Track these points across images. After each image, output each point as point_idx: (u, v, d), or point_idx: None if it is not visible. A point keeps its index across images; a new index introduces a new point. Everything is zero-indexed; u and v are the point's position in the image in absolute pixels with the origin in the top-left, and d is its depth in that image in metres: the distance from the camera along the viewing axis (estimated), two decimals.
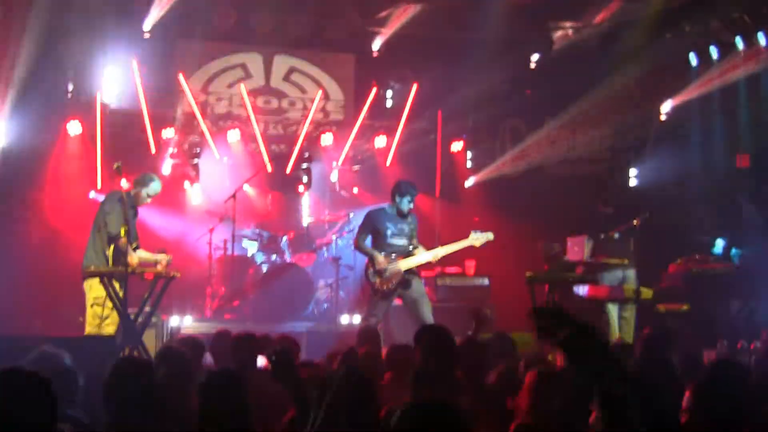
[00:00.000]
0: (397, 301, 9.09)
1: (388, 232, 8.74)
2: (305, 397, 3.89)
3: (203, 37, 12.19)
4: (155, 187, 8.48)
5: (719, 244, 10.42)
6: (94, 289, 8.06)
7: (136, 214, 8.57)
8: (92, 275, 8.05)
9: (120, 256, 8.02)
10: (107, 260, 8.12)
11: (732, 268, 9.81)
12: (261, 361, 5.33)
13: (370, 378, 4.01)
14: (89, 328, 8.11)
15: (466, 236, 8.95)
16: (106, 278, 7.83)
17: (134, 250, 8.20)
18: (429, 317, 8.60)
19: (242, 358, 5.46)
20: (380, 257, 8.66)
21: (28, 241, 10.91)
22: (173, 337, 9.17)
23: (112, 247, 8.10)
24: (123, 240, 7.90)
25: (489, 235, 8.96)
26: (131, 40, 11.64)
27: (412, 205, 8.81)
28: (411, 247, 8.82)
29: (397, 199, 8.75)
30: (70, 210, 11.07)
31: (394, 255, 8.74)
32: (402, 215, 8.79)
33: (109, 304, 7.98)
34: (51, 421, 3.07)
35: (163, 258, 8.29)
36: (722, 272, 9.38)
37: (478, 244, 8.94)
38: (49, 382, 3.12)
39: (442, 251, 8.90)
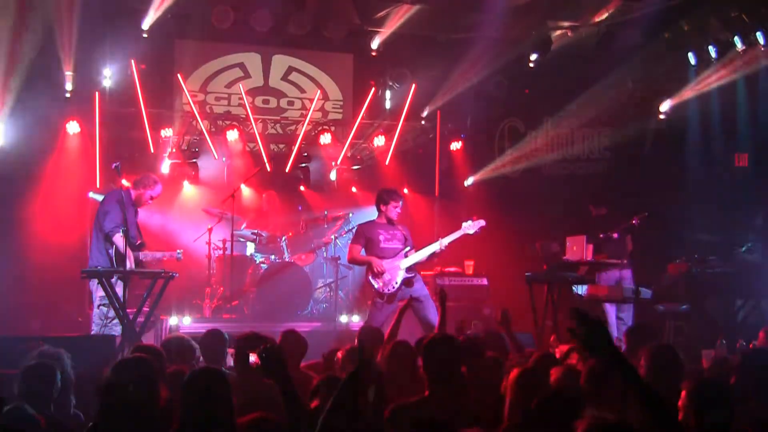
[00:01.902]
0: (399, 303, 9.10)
1: (381, 238, 8.82)
2: (295, 393, 3.88)
3: (202, 36, 12.20)
4: (158, 189, 8.58)
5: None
6: (101, 289, 8.10)
7: (136, 213, 8.59)
8: (90, 276, 8.07)
9: (121, 255, 8.06)
10: (111, 260, 8.14)
11: (732, 267, 9.80)
12: (252, 357, 5.32)
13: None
14: (95, 328, 8.16)
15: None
16: (104, 278, 7.84)
17: (138, 249, 8.21)
18: (433, 318, 8.61)
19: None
20: (377, 260, 8.69)
21: (27, 241, 10.89)
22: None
23: (114, 246, 8.12)
24: (121, 239, 7.94)
25: (480, 222, 9.03)
26: (130, 39, 11.62)
27: (399, 210, 8.89)
28: (406, 249, 8.86)
29: (383, 208, 8.86)
30: (70, 209, 11.07)
31: (391, 258, 8.77)
32: (391, 223, 8.87)
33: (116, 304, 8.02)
34: None
35: (168, 254, 8.34)
36: (722, 272, 9.37)
37: (471, 231, 9.01)
38: None
39: (445, 240, 8.94)
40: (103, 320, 8.10)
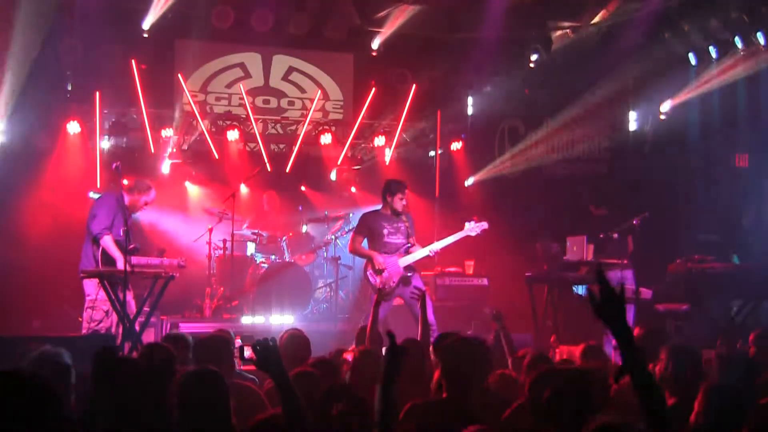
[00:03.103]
0: (397, 301, 9.10)
1: (385, 231, 8.75)
2: (290, 387, 3.87)
3: (202, 36, 12.18)
4: (152, 194, 8.64)
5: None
6: (87, 290, 8.15)
7: (129, 217, 8.61)
8: (90, 276, 8.10)
9: (109, 257, 8.09)
10: (97, 262, 8.17)
11: (732, 267, 9.81)
12: (247, 351, 5.33)
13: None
14: (84, 331, 8.20)
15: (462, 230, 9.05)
16: (106, 279, 7.87)
17: (130, 254, 8.22)
18: (430, 317, 8.61)
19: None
20: (379, 257, 8.67)
21: (28, 241, 10.89)
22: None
23: (101, 249, 8.15)
24: (110, 242, 8.00)
25: (483, 225, 9.00)
26: (130, 39, 11.64)
27: (404, 202, 8.84)
28: (409, 245, 8.83)
29: (389, 198, 8.79)
30: (70, 210, 11.06)
31: (392, 253, 8.75)
32: (396, 214, 8.81)
33: (103, 307, 8.05)
34: (53, 423, 3.04)
35: (166, 260, 8.33)
36: (722, 272, 9.37)
37: (473, 234, 8.98)
38: (49, 384, 3.07)
39: (439, 244, 8.92)
40: (88, 323, 8.15)
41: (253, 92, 13.01)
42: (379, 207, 9.00)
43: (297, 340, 5.86)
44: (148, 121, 12.01)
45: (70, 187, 11.28)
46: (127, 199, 8.47)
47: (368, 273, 8.76)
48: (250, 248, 11.69)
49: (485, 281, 11.54)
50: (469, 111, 13.75)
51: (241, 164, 12.62)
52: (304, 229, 12.08)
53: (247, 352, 5.09)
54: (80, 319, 10.04)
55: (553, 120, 13.56)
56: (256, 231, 11.47)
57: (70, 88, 11.58)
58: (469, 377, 4.50)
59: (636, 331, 7.21)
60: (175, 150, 12.41)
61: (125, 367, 4.14)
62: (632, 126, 13.59)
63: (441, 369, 4.62)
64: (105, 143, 11.97)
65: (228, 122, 12.67)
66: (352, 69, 13.50)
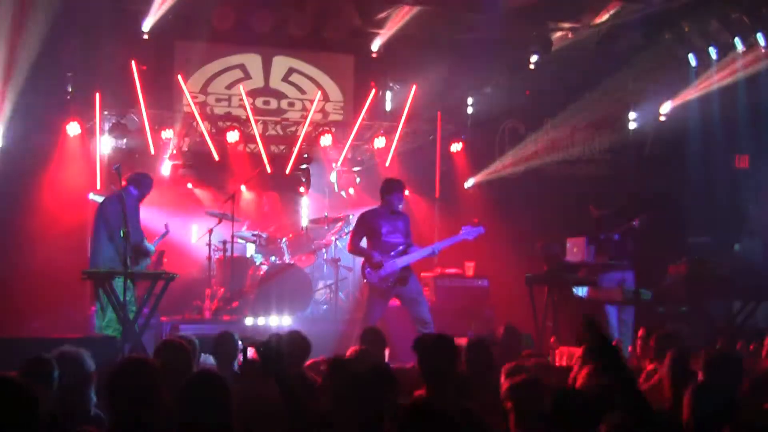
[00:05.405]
0: (395, 302, 9.10)
1: (383, 230, 8.76)
2: (292, 389, 3.87)
3: (202, 37, 12.18)
4: (151, 184, 8.75)
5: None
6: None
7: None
8: (90, 278, 8.10)
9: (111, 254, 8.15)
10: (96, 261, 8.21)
11: (732, 268, 9.80)
12: (250, 353, 5.33)
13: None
14: (113, 333, 8.13)
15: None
16: (104, 279, 7.88)
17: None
18: (427, 316, 8.62)
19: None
20: (377, 255, 8.67)
21: (28, 242, 10.89)
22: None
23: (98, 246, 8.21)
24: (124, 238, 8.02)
25: (480, 229, 9.01)
26: (130, 40, 11.64)
27: (402, 201, 8.88)
28: (406, 245, 8.84)
29: (387, 197, 8.80)
30: (70, 211, 11.07)
31: (390, 252, 8.75)
32: (394, 213, 8.83)
33: (132, 307, 8.06)
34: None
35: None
36: (722, 273, 9.37)
37: (470, 237, 8.98)
38: (30, 389, 3.12)
39: (437, 246, 8.94)
40: (121, 324, 8.14)
41: (253, 93, 13.02)
42: (377, 206, 9.01)
43: (298, 341, 5.85)
44: (149, 122, 12.01)
45: (70, 189, 11.29)
46: (135, 192, 8.60)
47: (366, 271, 8.76)
48: (250, 249, 11.69)
49: (485, 282, 11.54)
50: (469, 111, 13.76)
51: (241, 166, 12.62)
52: (306, 223, 12.08)
53: (250, 353, 5.09)
54: (80, 320, 10.08)
55: (554, 121, 13.56)
56: (256, 232, 11.47)
57: (70, 89, 11.57)
58: (444, 373, 4.51)
59: (640, 333, 7.26)
60: (175, 151, 12.41)
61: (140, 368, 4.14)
62: (632, 126, 13.59)
63: (419, 365, 4.63)
64: (105, 145, 11.96)
65: (228, 123, 12.67)
66: (353, 70, 13.50)
